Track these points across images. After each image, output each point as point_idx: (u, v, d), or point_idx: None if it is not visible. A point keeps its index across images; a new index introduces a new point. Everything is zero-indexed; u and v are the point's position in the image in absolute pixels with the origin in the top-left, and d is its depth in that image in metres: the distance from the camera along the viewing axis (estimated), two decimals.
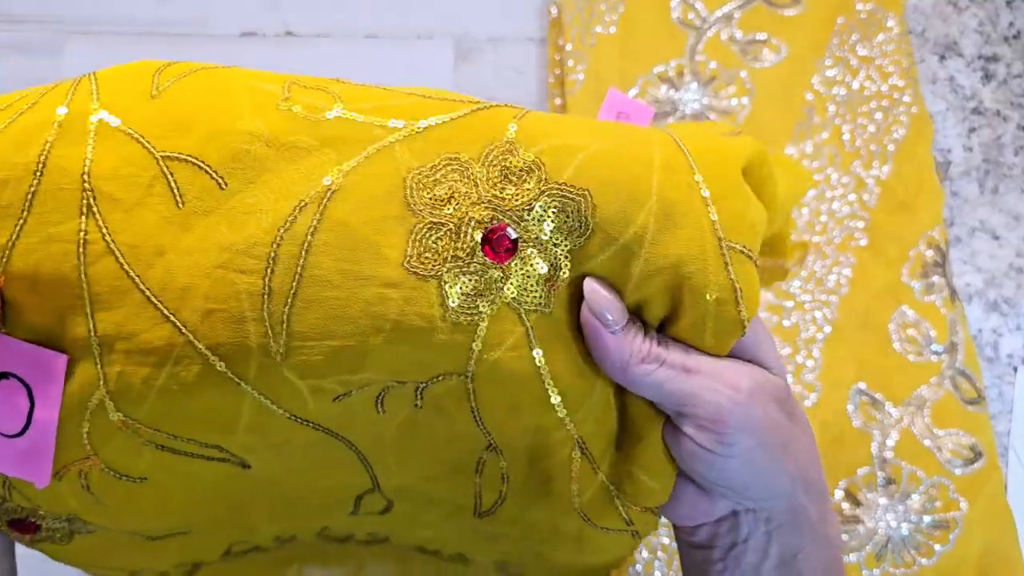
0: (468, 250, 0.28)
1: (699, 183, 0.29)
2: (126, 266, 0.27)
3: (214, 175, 0.28)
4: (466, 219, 0.28)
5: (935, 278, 0.57)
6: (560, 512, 0.33)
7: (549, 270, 0.28)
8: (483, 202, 0.28)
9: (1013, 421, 0.56)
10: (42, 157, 0.27)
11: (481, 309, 0.28)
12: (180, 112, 0.28)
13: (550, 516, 0.34)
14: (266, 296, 0.27)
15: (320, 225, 0.27)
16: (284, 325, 0.27)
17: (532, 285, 0.28)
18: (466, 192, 0.28)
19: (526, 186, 0.28)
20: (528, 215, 0.28)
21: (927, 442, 0.54)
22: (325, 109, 0.29)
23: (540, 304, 0.28)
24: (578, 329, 0.29)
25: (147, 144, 0.28)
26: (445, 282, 0.27)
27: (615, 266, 0.29)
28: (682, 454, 0.30)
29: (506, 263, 0.28)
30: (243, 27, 0.63)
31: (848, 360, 0.55)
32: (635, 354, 0.29)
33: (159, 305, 0.27)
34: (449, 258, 0.27)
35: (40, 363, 0.28)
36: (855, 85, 0.61)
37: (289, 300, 0.27)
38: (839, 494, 0.53)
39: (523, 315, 0.28)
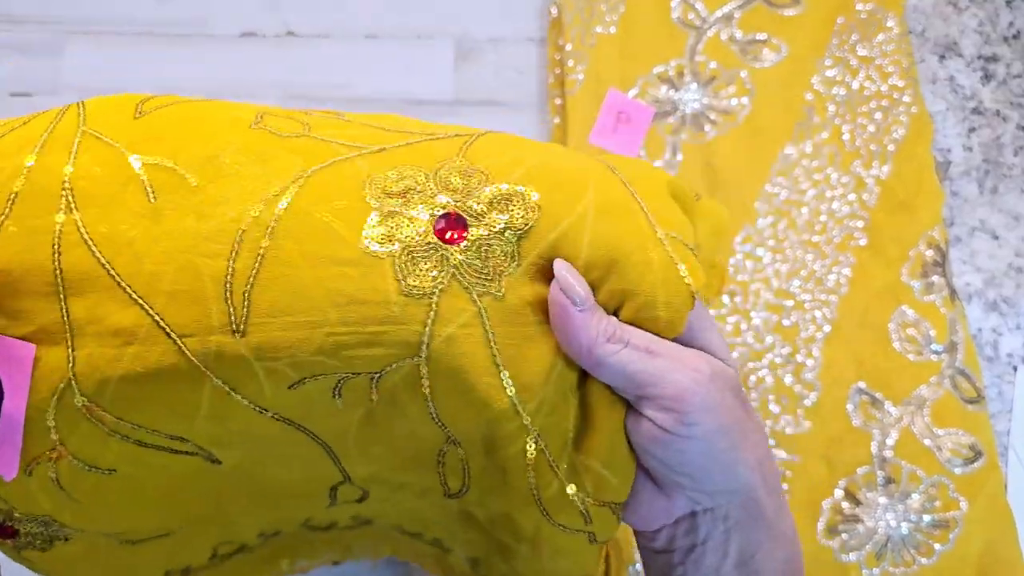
0: (422, 233, 0.29)
1: (633, 193, 0.32)
2: (97, 254, 0.28)
3: (185, 175, 0.30)
4: (420, 206, 0.30)
5: (935, 278, 0.57)
6: (517, 506, 0.33)
7: (499, 256, 0.30)
8: (436, 194, 0.30)
9: (1013, 420, 0.56)
10: (27, 165, 0.29)
11: (434, 286, 0.29)
12: (157, 129, 0.31)
13: (508, 509, 0.34)
14: (229, 277, 0.28)
15: (284, 214, 0.29)
16: (245, 303, 0.28)
17: (482, 268, 0.30)
18: (420, 190, 0.30)
19: (473, 180, 0.31)
20: (477, 206, 0.30)
21: (927, 441, 0.54)
22: (294, 132, 0.31)
23: (492, 289, 0.30)
24: (531, 319, 0.30)
25: (124, 151, 0.30)
26: (399, 260, 0.29)
27: (561, 251, 0.30)
28: (643, 441, 0.30)
29: (457, 245, 0.30)
30: (243, 27, 0.63)
31: (848, 359, 0.55)
32: (602, 333, 0.29)
33: (127, 289, 0.28)
34: (404, 239, 0.29)
35: (9, 352, 0.29)
36: (855, 85, 0.61)
37: (251, 280, 0.28)
38: (839, 493, 0.53)
39: (475, 297, 0.29)
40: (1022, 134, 0.63)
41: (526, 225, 0.30)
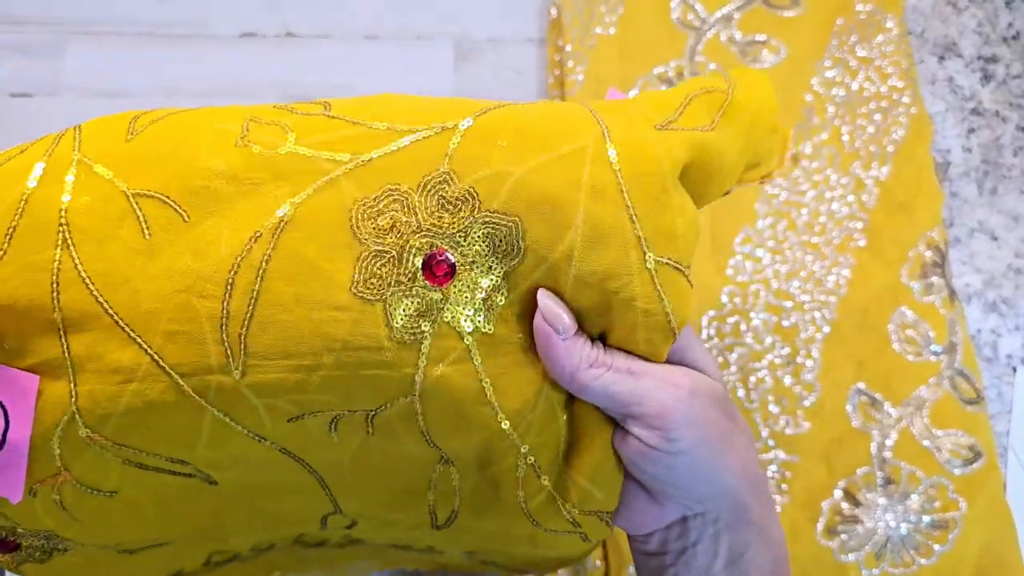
0: (410, 275, 0.30)
1: (627, 202, 0.31)
2: (95, 292, 0.29)
3: (178, 209, 0.30)
4: (407, 246, 0.30)
5: (934, 279, 0.57)
6: (510, 518, 0.34)
7: (487, 291, 0.30)
8: (422, 230, 0.30)
9: (1012, 421, 0.57)
10: (24, 196, 0.30)
11: (424, 328, 0.30)
12: (148, 153, 0.31)
13: (501, 524, 0.35)
14: (224, 319, 0.29)
15: (274, 253, 0.29)
16: (241, 346, 0.29)
17: (471, 306, 0.30)
18: (406, 221, 0.30)
19: (461, 214, 0.30)
20: (464, 241, 0.30)
21: (926, 442, 0.54)
22: (278, 145, 0.31)
23: (480, 323, 0.30)
24: (519, 347, 0.31)
25: (118, 183, 0.30)
26: (390, 305, 0.29)
27: (547, 285, 0.31)
28: (631, 456, 0.32)
29: (445, 286, 0.30)
30: (243, 28, 0.64)
31: (847, 360, 0.56)
32: (584, 359, 0.30)
33: (125, 328, 0.29)
34: (392, 283, 0.29)
35: (14, 384, 0.29)
36: (854, 86, 0.61)
37: (246, 323, 0.29)
38: (838, 494, 0.53)
39: (463, 335, 0.30)
40: (1021, 135, 0.63)
41: (513, 261, 0.30)
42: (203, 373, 0.29)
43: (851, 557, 0.52)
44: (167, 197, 0.30)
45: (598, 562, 0.52)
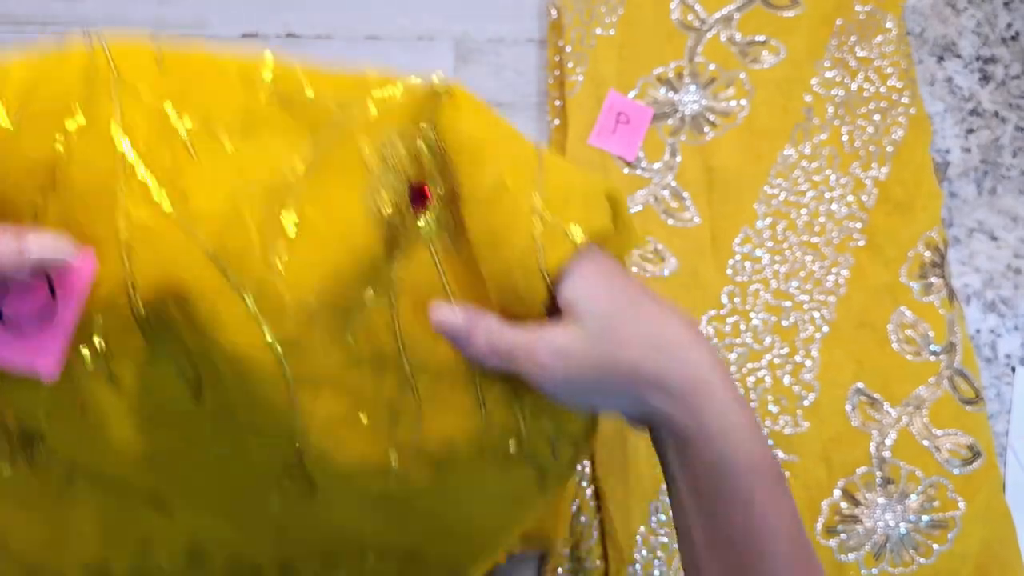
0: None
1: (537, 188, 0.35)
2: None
3: (220, 137, 0.33)
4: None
5: (933, 279, 0.57)
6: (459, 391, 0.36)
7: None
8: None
9: (1011, 421, 0.57)
10: (80, 122, 0.31)
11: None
12: (184, 83, 0.34)
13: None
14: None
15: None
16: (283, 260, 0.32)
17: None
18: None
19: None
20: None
21: (925, 442, 0.54)
22: (300, 91, 0.35)
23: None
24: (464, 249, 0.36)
25: (167, 108, 0.33)
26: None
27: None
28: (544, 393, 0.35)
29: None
30: (244, 28, 0.64)
31: (846, 360, 0.56)
32: (485, 356, 0.35)
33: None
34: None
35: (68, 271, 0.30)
36: (854, 86, 0.61)
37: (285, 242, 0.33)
38: (837, 493, 0.53)
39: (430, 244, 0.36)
40: (1020, 135, 0.63)
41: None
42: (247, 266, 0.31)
43: (850, 556, 0.52)
44: (211, 126, 0.33)
45: (598, 561, 0.52)
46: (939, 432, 0.54)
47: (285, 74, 0.35)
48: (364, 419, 0.35)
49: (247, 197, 0.32)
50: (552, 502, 0.46)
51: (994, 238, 0.61)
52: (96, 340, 0.31)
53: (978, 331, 0.59)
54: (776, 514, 0.32)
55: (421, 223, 0.36)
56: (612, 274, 0.35)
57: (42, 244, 0.28)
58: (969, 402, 0.55)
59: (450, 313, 0.35)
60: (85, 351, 0.31)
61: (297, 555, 0.40)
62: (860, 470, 0.53)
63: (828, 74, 0.62)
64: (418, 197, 0.36)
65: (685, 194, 0.59)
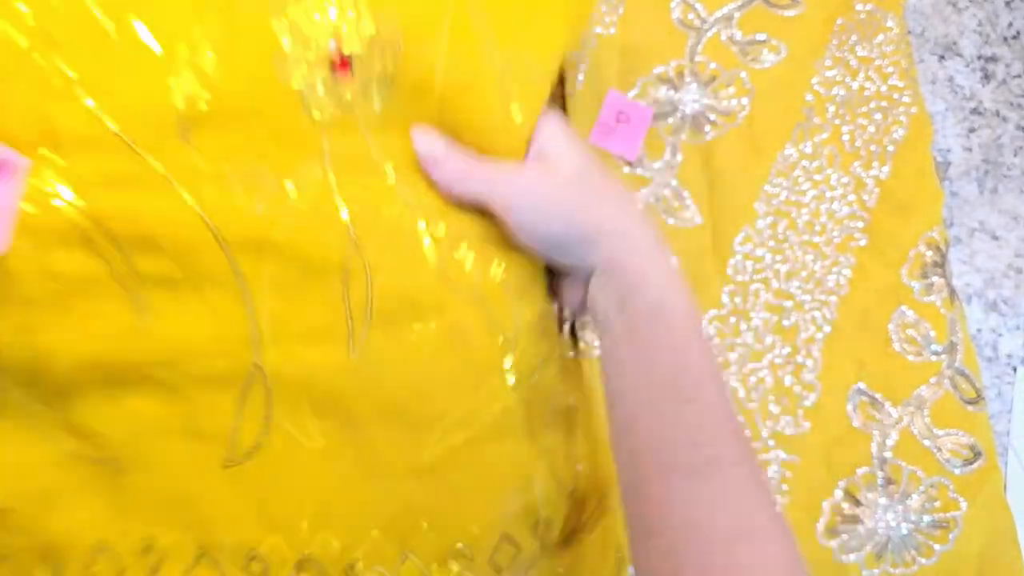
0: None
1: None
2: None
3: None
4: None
5: (934, 278, 0.57)
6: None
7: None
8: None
9: (1012, 421, 0.57)
10: None
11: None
12: None
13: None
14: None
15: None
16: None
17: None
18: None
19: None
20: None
21: (927, 442, 0.54)
22: None
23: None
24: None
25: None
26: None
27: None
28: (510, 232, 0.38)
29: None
30: None
31: (848, 360, 0.56)
32: (457, 182, 0.37)
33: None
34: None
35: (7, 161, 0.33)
36: (855, 86, 0.61)
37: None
38: (839, 494, 0.53)
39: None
40: (1022, 134, 0.63)
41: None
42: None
43: (852, 557, 0.52)
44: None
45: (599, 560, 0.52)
46: (940, 432, 0.54)
47: None
48: (317, 299, 0.36)
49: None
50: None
51: (995, 238, 0.61)
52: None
53: (979, 331, 0.59)
54: (705, 361, 0.35)
55: (348, 96, 0.35)
56: (577, 137, 0.39)
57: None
58: (970, 402, 0.55)
59: (429, 138, 0.37)
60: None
61: None
62: (861, 470, 0.53)
63: (829, 73, 0.62)
64: (342, 69, 0.35)
65: (686, 193, 0.59)
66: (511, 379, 0.38)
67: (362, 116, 0.36)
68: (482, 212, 0.37)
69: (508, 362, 0.38)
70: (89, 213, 0.34)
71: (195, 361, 0.35)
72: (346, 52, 0.35)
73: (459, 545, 0.38)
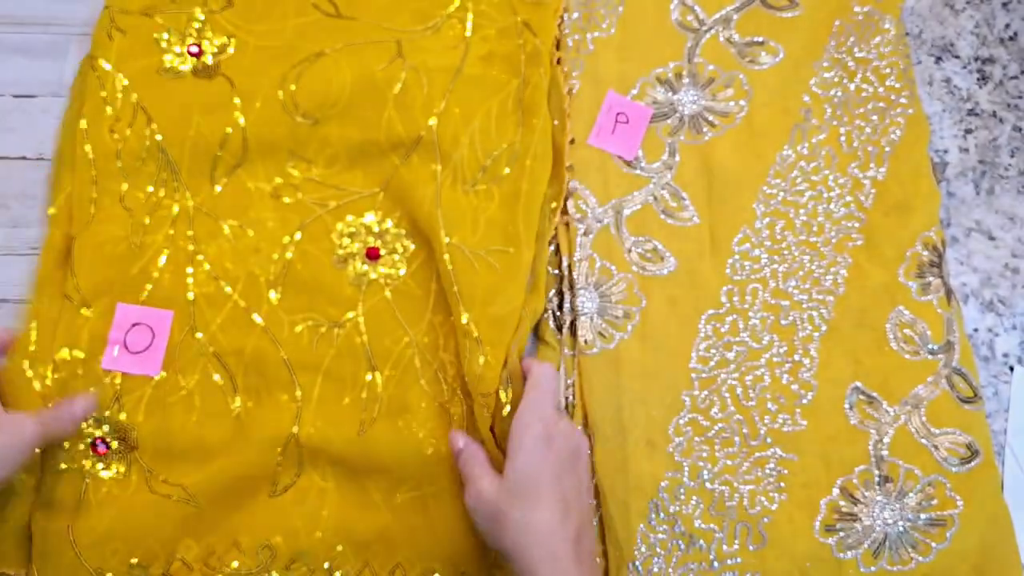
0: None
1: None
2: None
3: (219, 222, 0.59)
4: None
5: (931, 278, 0.57)
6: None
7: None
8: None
9: (1009, 420, 0.57)
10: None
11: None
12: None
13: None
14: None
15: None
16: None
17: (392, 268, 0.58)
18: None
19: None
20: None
21: (924, 441, 0.54)
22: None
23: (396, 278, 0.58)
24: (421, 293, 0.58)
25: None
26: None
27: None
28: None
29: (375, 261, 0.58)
30: None
31: (845, 359, 0.56)
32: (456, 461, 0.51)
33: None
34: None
35: (157, 315, 0.55)
36: (852, 87, 0.62)
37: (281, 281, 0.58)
38: (836, 492, 0.53)
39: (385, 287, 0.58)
40: (1018, 135, 0.63)
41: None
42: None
43: (849, 554, 0.52)
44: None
45: (598, 559, 0.53)
46: (937, 431, 0.54)
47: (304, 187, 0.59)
48: (346, 400, 0.55)
49: (261, 270, 0.57)
50: None
51: (992, 238, 0.61)
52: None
53: (976, 330, 0.59)
54: None
55: (373, 275, 0.57)
56: (549, 444, 0.47)
57: (84, 405, 0.52)
58: (967, 401, 0.55)
59: (459, 437, 0.51)
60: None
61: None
62: (858, 468, 0.54)
63: (826, 75, 0.62)
64: (373, 255, 0.57)
65: (684, 194, 0.59)
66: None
67: (386, 283, 0.57)
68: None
69: None
70: (209, 347, 0.55)
71: (259, 431, 0.54)
72: (375, 244, 0.57)
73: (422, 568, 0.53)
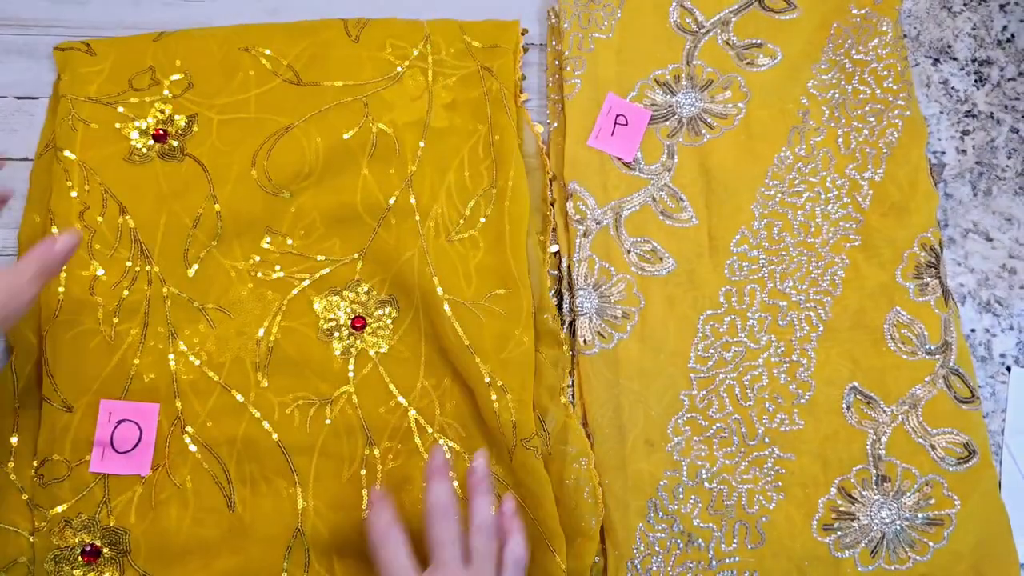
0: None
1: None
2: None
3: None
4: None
5: (929, 279, 0.57)
6: None
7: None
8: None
9: (1007, 419, 0.57)
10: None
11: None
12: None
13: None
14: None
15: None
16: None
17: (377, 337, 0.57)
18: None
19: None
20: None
21: (921, 440, 0.54)
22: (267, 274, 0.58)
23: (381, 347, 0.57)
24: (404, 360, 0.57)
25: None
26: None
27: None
28: None
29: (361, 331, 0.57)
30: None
31: (842, 359, 0.56)
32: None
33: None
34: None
35: (144, 411, 0.53)
36: (850, 89, 0.62)
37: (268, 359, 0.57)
38: (833, 491, 0.54)
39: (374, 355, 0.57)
40: (1015, 137, 0.63)
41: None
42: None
43: (846, 554, 0.52)
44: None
45: (597, 558, 0.53)
46: (934, 431, 0.55)
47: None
48: (345, 476, 0.54)
49: (246, 353, 0.55)
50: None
51: (989, 239, 0.61)
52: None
53: (973, 331, 0.59)
54: None
55: (359, 343, 0.56)
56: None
57: (64, 240, 0.46)
58: (964, 401, 0.55)
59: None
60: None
61: None
62: (856, 468, 0.54)
63: (824, 77, 0.62)
64: (359, 325, 0.56)
65: (682, 195, 0.60)
66: None
67: (374, 353, 0.56)
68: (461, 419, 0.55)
69: None
70: (200, 439, 0.53)
71: (262, 527, 0.52)
72: (360, 313, 0.56)
73: None
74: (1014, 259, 0.61)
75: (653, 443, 0.54)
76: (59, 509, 0.51)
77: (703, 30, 0.63)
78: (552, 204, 0.60)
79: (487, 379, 0.53)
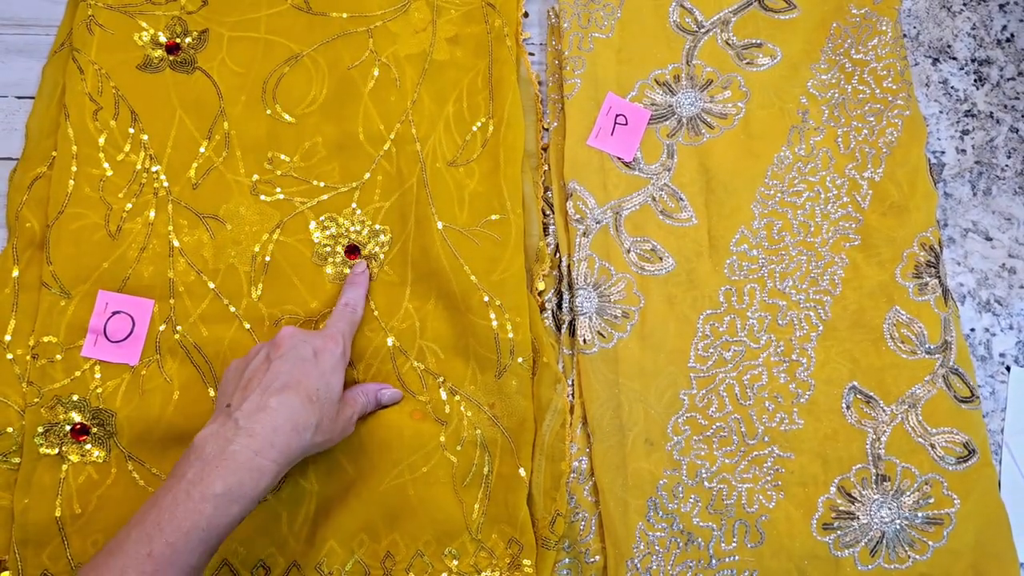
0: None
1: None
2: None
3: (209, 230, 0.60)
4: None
5: (928, 278, 0.57)
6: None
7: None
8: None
9: (1006, 419, 0.57)
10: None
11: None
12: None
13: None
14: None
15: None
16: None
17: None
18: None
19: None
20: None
21: (920, 440, 0.54)
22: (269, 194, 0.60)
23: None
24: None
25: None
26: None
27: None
28: None
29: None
30: None
31: (842, 359, 0.56)
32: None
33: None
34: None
35: (139, 304, 0.56)
36: (849, 88, 0.62)
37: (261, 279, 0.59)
38: (833, 490, 0.54)
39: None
40: (1015, 136, 0.63)
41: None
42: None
43: (846, 553, 0.53)
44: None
45: (597, 556, 0.53)
46: (934, 430, 0.55)
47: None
48: None
49: (241, 263, 0.58)
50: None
51: (988, 238, 0.61)
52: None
53: (972, 330, 0.59)
54: None
55: (348, 271, 0.58)
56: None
57: (389, 396, 0.55)
58: (964, 400, 0.55)
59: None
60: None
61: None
62: (856, 467, 0.54)
63: (824, 76, 0.62)
64: (353, 253, 0.58)
65: (682, 195, 0.60)
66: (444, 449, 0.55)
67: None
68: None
69: (442, 437, 0.55)
70: (189, 338, 0.56)
71: None
72: (354, 241, 0.59)
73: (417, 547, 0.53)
74: (1014, 258, 0.61)
75: (653, 442, 0.54)
76: (53, 387, 0.54)
77: (703, 30, 0.63)
78: (545, 150, 0.62)
79: (486, 298, 0.55)
